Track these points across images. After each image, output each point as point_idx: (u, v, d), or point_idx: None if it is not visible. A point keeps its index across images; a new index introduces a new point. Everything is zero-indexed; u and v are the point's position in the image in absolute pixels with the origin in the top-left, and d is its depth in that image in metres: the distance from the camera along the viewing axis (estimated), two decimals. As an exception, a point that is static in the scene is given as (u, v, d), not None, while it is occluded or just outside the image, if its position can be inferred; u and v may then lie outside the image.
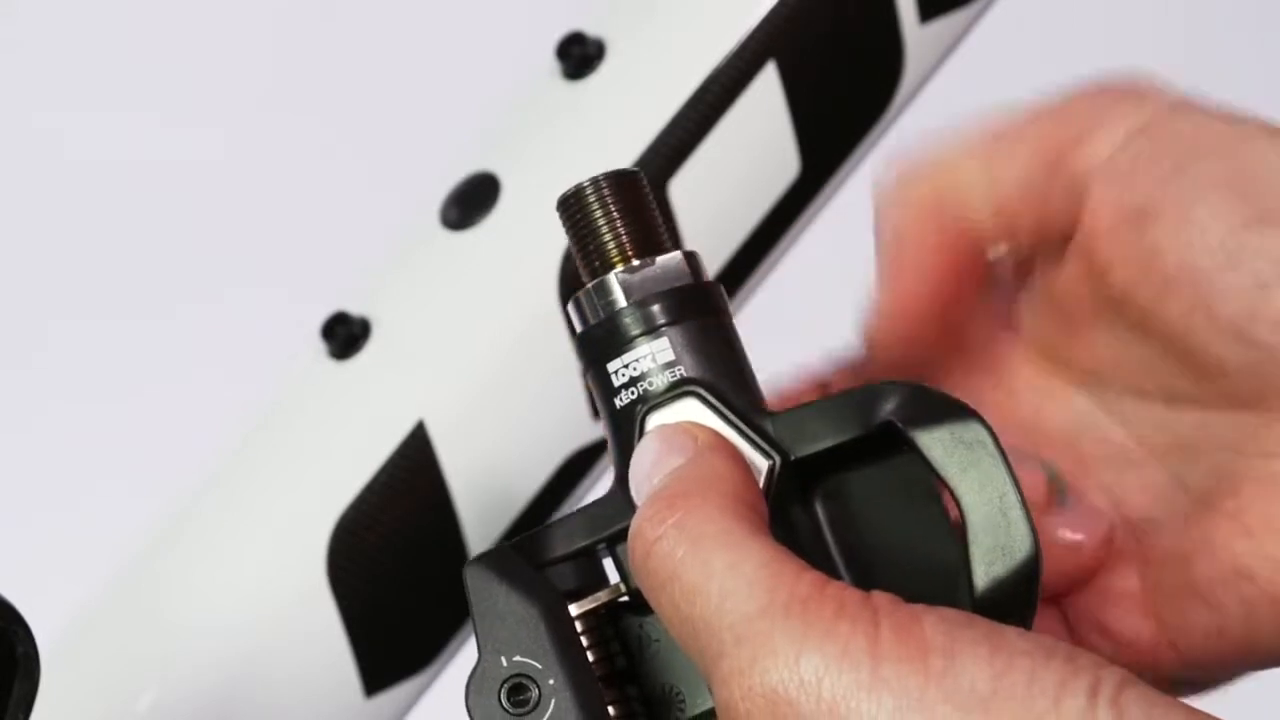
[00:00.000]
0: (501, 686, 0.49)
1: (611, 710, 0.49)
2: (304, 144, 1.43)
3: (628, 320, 0.51)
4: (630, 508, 0.50)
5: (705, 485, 0.48)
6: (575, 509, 0.52)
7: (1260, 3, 1.52)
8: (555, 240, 0.66)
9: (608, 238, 0.52)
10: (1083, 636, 0.56)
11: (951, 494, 0.48)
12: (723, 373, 0.51)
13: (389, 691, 0.67)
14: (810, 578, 0.46)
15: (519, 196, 0.67)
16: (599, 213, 0.52)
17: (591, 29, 0.69)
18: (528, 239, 0.67)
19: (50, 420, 1.39)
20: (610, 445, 0.51)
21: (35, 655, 0.51)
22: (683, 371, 0.50)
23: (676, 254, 0.52)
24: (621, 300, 0.51)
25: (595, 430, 0.67)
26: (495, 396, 0.67)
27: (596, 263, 0.52)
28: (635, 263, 0.51)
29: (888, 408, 0.49)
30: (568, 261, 0.66)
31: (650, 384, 0.50)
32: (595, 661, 0.49)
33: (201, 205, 1.43)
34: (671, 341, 0.51)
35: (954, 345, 0.58)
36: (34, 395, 1.41)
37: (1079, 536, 0.56)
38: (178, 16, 1.46)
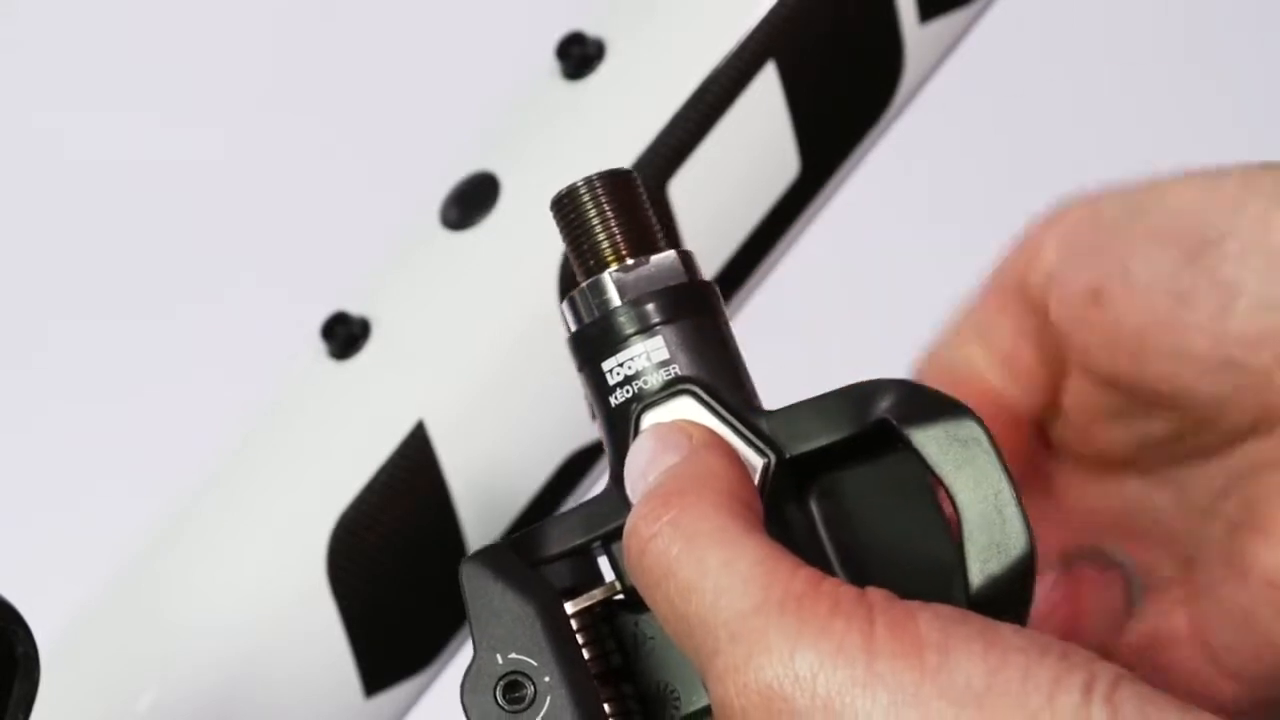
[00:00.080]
0: (497, 684, 0.49)
1: (607, 708, 0.49)
2: (304, 144, 1.43)
3: (622, 319, 0.51)
4: (625, 506, 0.50)
5: (700, 483, 0.48)
6: (571, 507, 0.52)
7: (1260, 3, 1.52)
8: (555, 240, 0.65)
9: (602, 237, 0.52)
10: None
11: (946, 491, 0.48)
12: (717, 371, 0.51)
13: (389, 691, 0.67)
14: (805, 574, 0.46)
15: (519, 196, 0.67)
16: (593, 212, 0.52)
17: (591, 29, 0.69)
18: (528, 239, 0.67)
19: (50, 420, 1.39)
20: (605, 444, 0.51)
21: (35, 655, 0.51)
22: (677, 370, 0.50)
23: (671, 253, 0.52)
24: (616, 299, 0.51)
25: (595, 430, 0.67)
26: (495, 396, 0.67)
27: (591, 262, 0.52)
28: (630, 262, 0.51)
29: (883, 405, 0.49)
30: (568, 262, 0.66)
31: (645, 383, 0.51)
32: (591, 659, 0.50)
33: (201, 205, 1.43)
34: (666, 340, 0.51)
35: None
36: (34, 395, 1.41)
37: (1148, 630, 0.56)
38: (178, 16, 1.46)
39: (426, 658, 0.67)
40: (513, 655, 0.49)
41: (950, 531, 0.50)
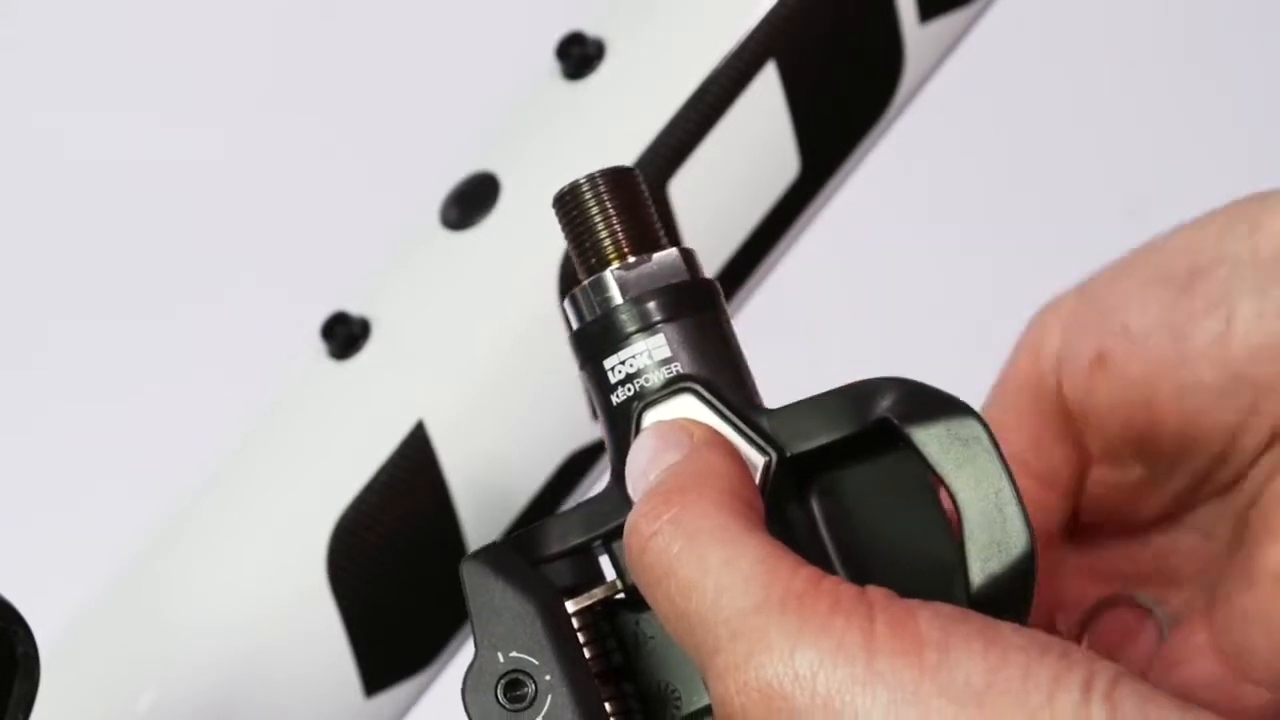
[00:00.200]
0: (498, 682, 0.49)
1: (608, 707, 0.49)
2: (304, 144, 1.43)
3: (624, 317, 0.51)
4: (626, 504, 0.50)
5: (701, 481, 0.48)
6: (572, 505, 0.52)
7: (1260, 3, 1.52)
8: (555, 240, 0.65)
9: (604, 234, 0.52)
10: None
11: (947, 490, 0.48)
12: (719, 369, 0.51)
13: (389, 691, 0.67)
14: (805, 573, 0.46)
15: (519, 196, 0.67)
16: (595, 209, 0.52)
17: (591, 29, 0.69)
18: (528, 239, 0.67)
19: (50, 420, 1.39)
20: (606, 442, 0.51)
21: (35, 655, 0.51)
22: (679, 368, 0.50)
23: (673, 250, 0.52)
24: (618, 297, 0.51)
25: (595, 430, 0.67)
26: (495, 396, 0.67)
27: (593, 259, 0.52)
28: (631, 259, 0.51)
29: (884, 404, 0.49)
30: (568, 261, 0.66)
31: (646, 381, 0.51)
32: (591, 658, 0.50)
33: (202, 205, 1.43)
34: (668, 338, 0.51)
35: None
36: (34, 395, 1.41)
37: (1171, 649, 0.57)
38: (178, 16, 1.46)
39: (426, 658, 0.67)
40: (514, 654, 0.49)
41: (951, 530, 0.50)
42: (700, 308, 0.51)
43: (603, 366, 0.51)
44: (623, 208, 0.52)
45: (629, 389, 0.51)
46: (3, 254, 1.44)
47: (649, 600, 0.48)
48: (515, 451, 0.67)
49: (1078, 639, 0.58)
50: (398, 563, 0.66)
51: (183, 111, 1.45)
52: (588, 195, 0.52)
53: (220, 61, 1.46)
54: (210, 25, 1.47)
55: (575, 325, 0.52)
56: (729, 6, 0.68)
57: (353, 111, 1.44)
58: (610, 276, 0.51)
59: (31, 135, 1.45)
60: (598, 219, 0.52)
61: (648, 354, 0.51)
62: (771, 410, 0.51)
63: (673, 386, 0.50)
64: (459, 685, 0.49)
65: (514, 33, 0.99)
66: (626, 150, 0.67)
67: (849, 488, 0.51)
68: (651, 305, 0.51)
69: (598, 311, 0.51)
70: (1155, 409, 0.55)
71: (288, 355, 0.70)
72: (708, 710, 0.50)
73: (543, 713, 0.48)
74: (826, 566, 0.49)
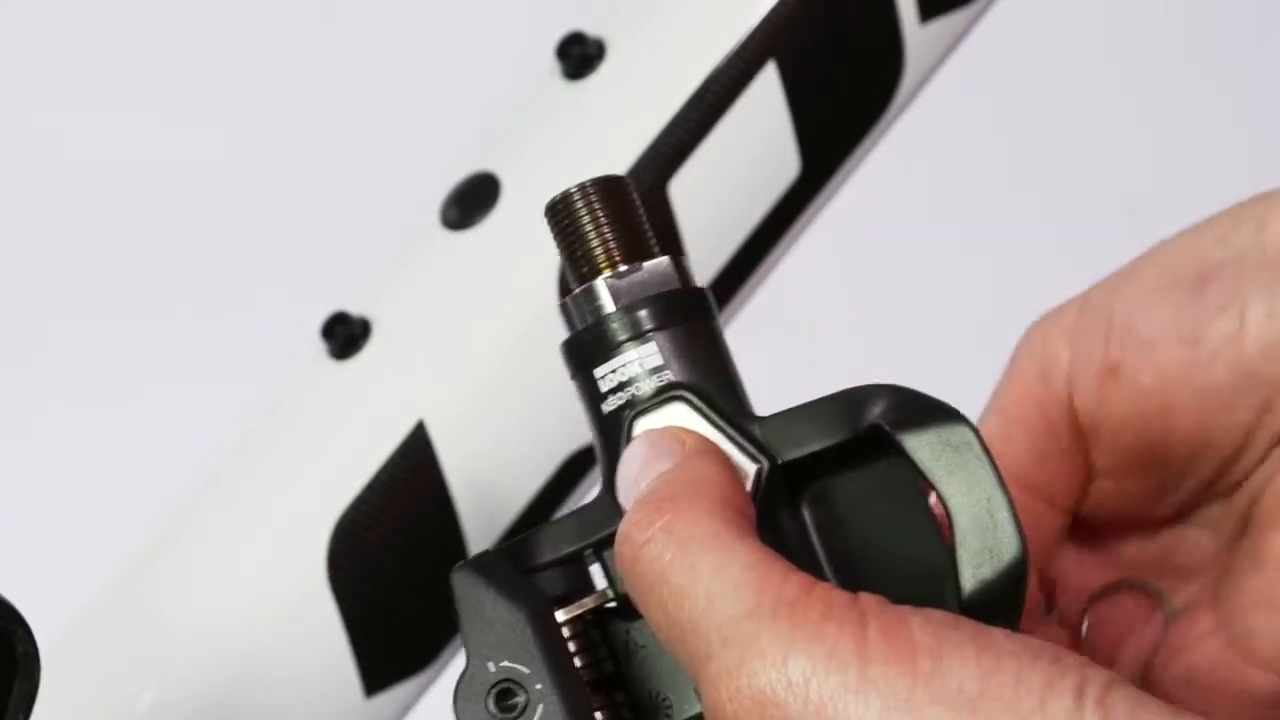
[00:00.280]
0: (489, 692, 0.49)
1: (599, 716, 0.49)
2: (304, 144, 1.43)
3: (615, 326, 0.51)
4: (618, 513, 0.50)
5: (693, 489, 0.48)
6: (563, 514, 0.52)
7: (1260, 3, 1.52)
8: (555, 240, 0.66)
9: (595, 243, 0.51)
10: (1166, 689, 0.56)
11: (939, 496, 0.48)
12: (710, 377, 0.51)
13: (389, 691, 0.67)
14: (797, 580, 0.46)
15: (519, 196, 0.67)
16: (586, 218, 0.52)
17: (591, 29, 0.69)
18: (528, 239, 0.67)
19: (50, 420, 1.39)
20: (598, 450, 0.51)
21: (35, 655, 0.51)
22: (670, 376, 0.50)
23: (664, 259, 0.52)
24: (609, 306, 0.51)
25: (595, 430, 0.67)
26: (495, 396, 0.67)
27: (584, 268, 0.52)
28: (623, 268, 0.51)
29: (875, 411, 0.49)
30: (568, 261, 0.66)
31: (638, 389, 0.50)
32: (582, 667, 0.49)
33: (202, 205, 1.43)
34: (659, 347, 0.51)
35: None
36: (34, 395, 1.41)
37: (1178, 633, 0.57)
38: (178, 16, 1.46)
39: (426, 658, 0.67)
40: (505, 663, 0.49)
41: (942, 537, 0.50)
42: (691, 316, 0.51)
43: (593, 375, 0.51)
44: (614, 216, 0.52)
45: (620, 397, 0.51)
46: (3, 254, 1.44)
47: (641, 608, 0.48)
48: (515, 451, 0.67)
49: (1078, 622, 0.58)
50: (398, 563, 0.66)
51: (183, 111, 1.45)
52: (579, 204, 0.52)
53: (221, 61, 1.46)
54: (210, 25, 1.47)
55: (567, 334, 0.52)
56: (729, 6, 0.68)
57: (353, 112, 1.44)
58: (602, 285, 0.51)
59: (31, 135, 1.45)
60: (589, 228, 0.52)
61: (639, 362, 0.51)
62: (763, 418, 0.51)
63: (664, 395, 0.50)
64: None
65: (514, 33, 0.99)
66: (626, 150, 0.67)
67: (840, 495, 0.51)
68: (643, 314, 0.51)
69: (589, 320, 0.51)
70: (1170, 416, 0.55)
71: (288, 355, 0.70)
72: (699, 718, 0.50)
73: None
74: (818, 573, 0.48)
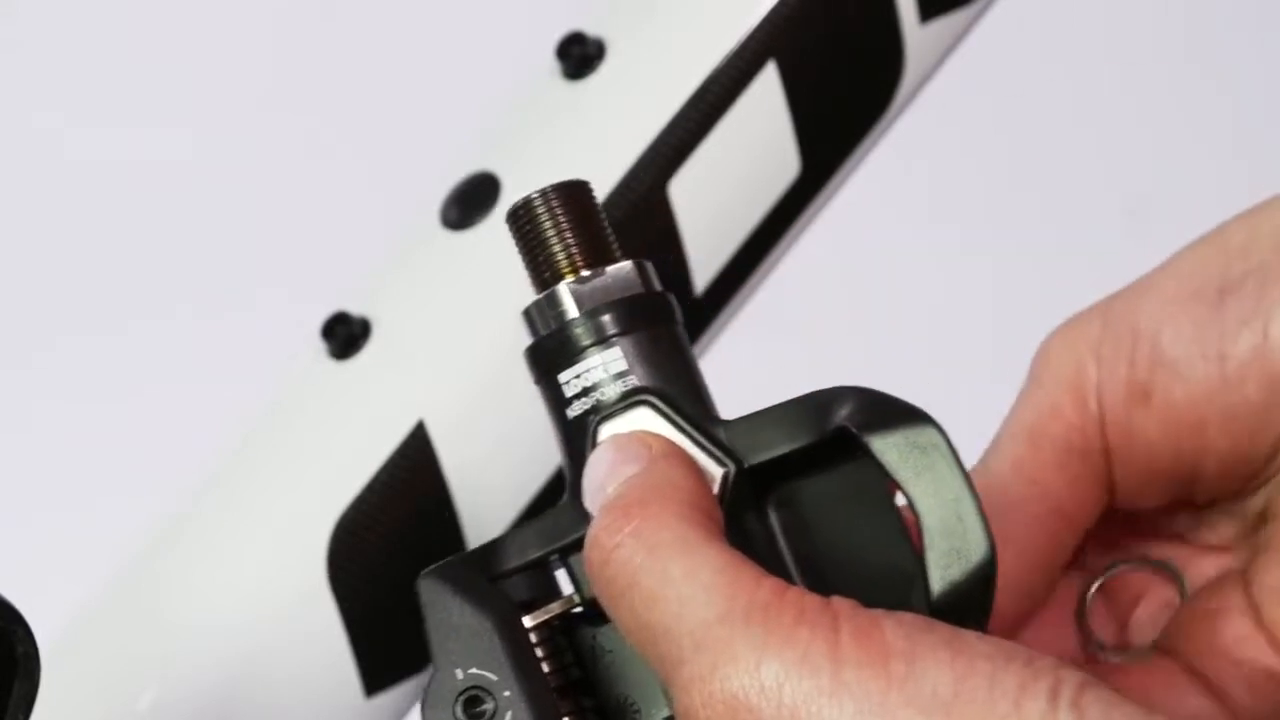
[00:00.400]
0: (457, 700, 0.48)
1: None
2: (304, 144, 1.43)
3: (579, 331, 0.51)
4: (584, 518, 0.50)
5: (661, 493, 0.48)
6: (527, 520, 0.52)
7: (1260, 3, 1.52)
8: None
9: (557, 248, 0.51)
10: (1190, 659, 0.56)
11: (906, 498, 0.48)
12: (675, 381, 0.50)
13: (389, 691, 0.67)
14: (770, 584, 0.46)
15: (519, 197, 0.67)
16: (548, 224, 0.51)
17: (591, 29, 0.69)
18: (528, 239, 0.67)
19: (50, 420, 1.39)
20: (563, 456, 0.51)
21: (35, 655, 0.51)
22: (635, 381, 0.50)
23: (627, 264, 0.51)
24: (572, 311, 0.51)
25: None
26: (495, 396, 0.66)
27: (546, 274, 0.52)
28: (585, 273, 0.51)
29: (842, 413, 0.49)
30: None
31: (602, 394, 0.50)
32: (550, 673, 0.49)
33: (202, 205, 1.43)
34: (623, 351, 0.50)
35: None
36: (34, 395, 1.41)
37: (1202, 606, 0.57)
38: (178, 17, 1.46)
39: (426, 658, 0.67)
40: (472, 670, 0.49)
41: (910, 539, 0.50)
42: (655, 320, 0.51)
43: (557, 380, 0.51)
44: (576, 221, 0.52)
45: (585, 402, 0.50)
46: (3, 254, 1.44)
47: (611, 613, 0.48)
48: (515, 451, 0.67)
49: (1082, 591, 0.58)
50: (398, 563, 0.66)
51: (183, 111, 1.45)
52: (540, 209, 0.52)
53: (221, 62, 1.46)
54: (211, 25, 1.47)
55: (530, 340, 0.52)
56: (729, 6, 0.68)
57: (353, 112, 1.44)
58: (565, 290, 0.51)
59: (31, 135, 1.45)
60: (550, 233, 0.51)
61: (603, 367, 0.50)
62: (728, 421, 0.50)
63: (629, 399, 0.50)
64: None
65: (514, 33, 0.99)
66: (627, 150, 0.67)
67: (807, 498, 0.51)
68: (606, 318, 0.50)
69: (552, 326, 0.51)
70: (1203, 436, 0.54)
71: (288, 355, 0.70)
72: None
73: None
74: (786, 577, 0.48)
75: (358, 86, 1.45)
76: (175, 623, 0.66)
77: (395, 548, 0.66)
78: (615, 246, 0.52)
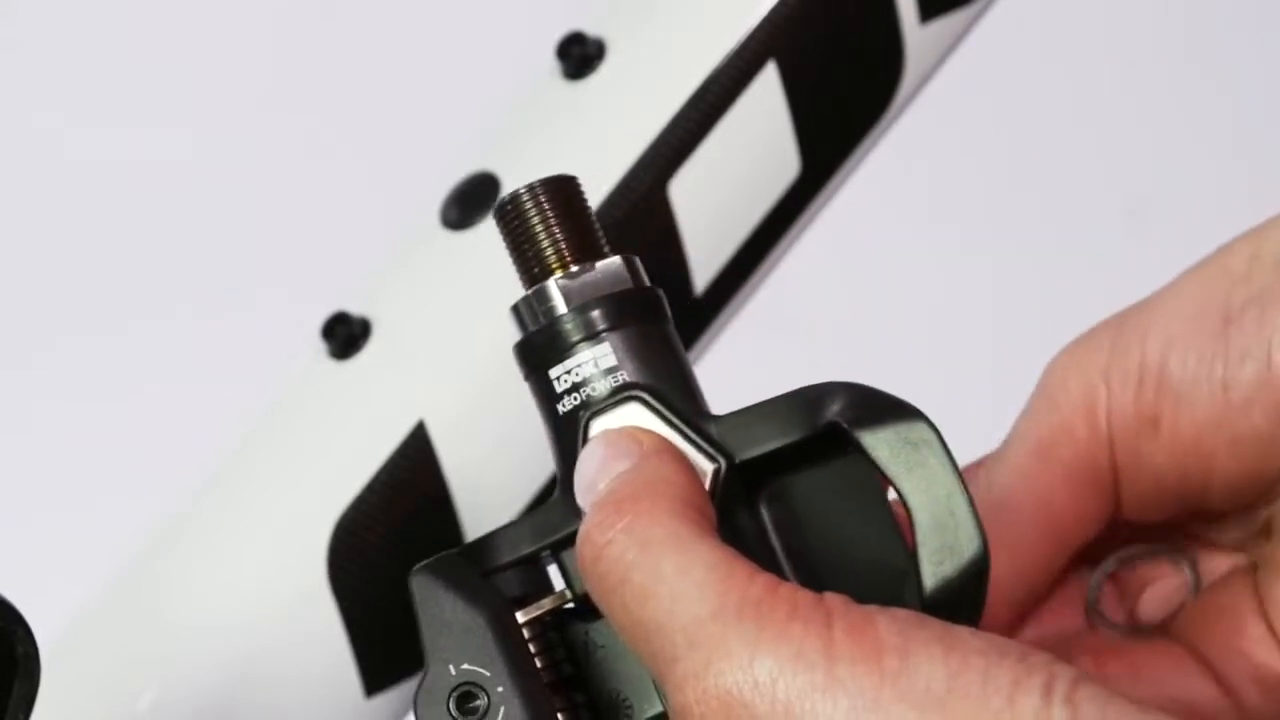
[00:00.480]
0: (450, 695, 0.48)
1: (560, 717, 0.49)
2: (304, 144, 1.43)
3: (568, 326, 0.51)
4: (575, 514, 0.50)
5: (652, 489, 0.48)
6: (520, 516, 0.52)
7: (1260, 3, 1.52)
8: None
9: (546, 244, 0.51)
10: (1204, 651, 0.56)
11: (898, 494, 0.48)
12: (665, 377, 0.50)
13: (389, 691, 0.67)
14: (762, 580, 0.46)
15: (517, 196, 0.67)
16: (536, 219, 0.51)
17: (591, 29, 0.69)
18: (528, 239, 0.67)
19: (50, 420, 1.39)
20: (553, 452, 0.51)
21: (35, 655, 0.51)
22: (625, 376, 0.50)
23: (616, 259, 0.51)
24: (561, 306, 0.51)
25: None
26: (495, 396, 0.66)
27: (535, 269, 0.51)
28: (574, 268, 0.51)
29: (833, 409, 0.49)
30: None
31: (593, 390, 0.50)
32: (543, 668, 0.49)
33: (202, 205, 1.43)
34: (613, 347, 0.50)
35: None
36: (34, 395, 1.41)
37: (1214, 602, 0.57)
38: (178, 17, 1.46)
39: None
40: (465, 666, 0.49)
41: (901, 534, 0.50)
42: (645, 316, 0.51)
43: (548, 376, 0.51)
44: (564, 216, 0.51)
45: (575, 398, 0.50)
46: (3, 254, 1.44)
47: (604, 609, 0.48)
48: (515, 451, 0.67)
49: (1093, 574, 0.58)
50: (398, 563, 0.66)
51: (183, 111, 1.45)
52: (528, 205, 0.51)
53: (221, 62, 1.46)
54: (211, 25, 1.47)
55: (519, 336, 0.52)
56: (729, 6, 0.68)
57: (353, 111, 1.44)
58: (554, 286, 0.51)
59: (31, 135, 1.45)
60: (539, 228, 0.51)
61: (593, 363, 0.50)
62: (719, 416, 0.50)
63: (619, 395, 0.50)
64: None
65: (514, 33, 0.99)
66: (627, 150, 0.67)
67: (798, 493, 0.51)
68: (596, 314, 0.50)
69: (541, 321, 0.51)
70: (1211, 463, 0.55)
71: (288, 355, 0.70)
72: (660, 718, 0.50)
73: None
74: (778, 573, 0.48)
75: (358, 86, 1.45)
76: (175, 623, 0.66)
77: (395, 548, 0.66)
78: (604, 242, 0.52)
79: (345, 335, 0.67)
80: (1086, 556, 0.59)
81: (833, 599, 0.46)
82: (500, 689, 0.48)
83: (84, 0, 1.46)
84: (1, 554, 1.29)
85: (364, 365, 0.67)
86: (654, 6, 0.69)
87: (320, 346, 0.68)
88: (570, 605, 0.50)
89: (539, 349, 0.51)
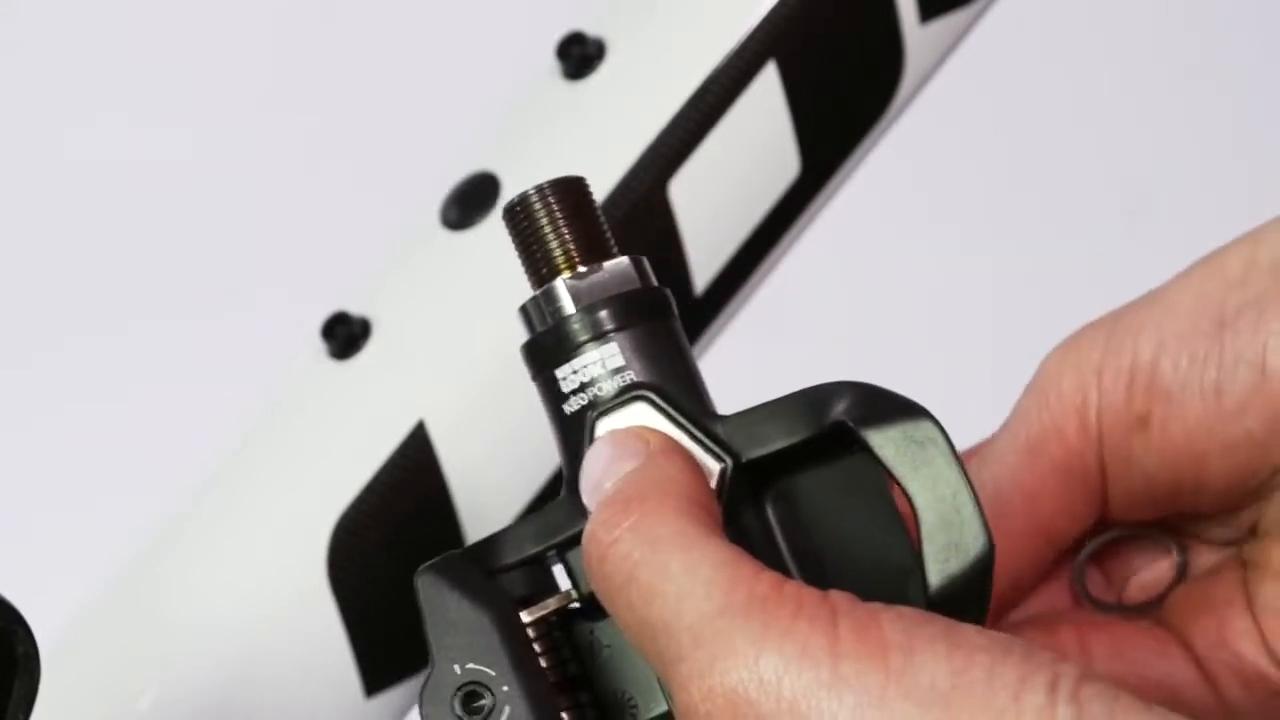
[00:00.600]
0: (455, 695, 0.49)
1: (565, 717, 0.49)
2: (304, 144, 1.43)
3: (576, 326, 0.51)
4: (581, 513, 0.50)
5: (659, 488, 0.48)
6: (526, 515, 0.52)
7: (1260, 3, 1.52)
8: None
9: (554, 245, 0.51)
10: (1192, 641, 0.56)
11: (904, 493, 0.48)
12: (672, 377, 0.51)
13: (389, 691, 0.67)
14: (768, 578, 0.46)
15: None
16: (545, 220, 0.52)
17: (591, 29, 0.69)
18: (528, 239, 0.67)
19: (50, 420, 1.39)
20: (560, 452, 0.51)
21: (35, 655, 0.51)
22: (632, 376, 0.50)
23: (623, 259, 0.52)
24: (569, 307, 0.51)
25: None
26: (495, 396, 0.67)
27: (543, 270, 0.52)
28: (582, 269, 0.51)
29: (839, 408, 0.49)
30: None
31: (600, 389, 0.50)
32: (548, 668, 0.49)
33: (202, 205, 1.43)
34: (620, 347, 0.50)
35: None
36: (34, 395, 1.41)
37: (1201, 591, 0.57)
38: (178, 17, 1.46)
39: (427, 658, 0.67)
40: (470, 665, 0.49)
41: (907, 533, 0.50)
42: (652, 316, 0.51)
43: (555, 376, 0.51)
44: (572, 217, 0.52)
45: (582, 398, 0.51)
46: (3, 254, 1.44)
47: (610, 608, 0.48)
48: (515, 451, 0.67)
49: (1072, 554, 0.58)
50: (398, 563, 0.66)
51: (183, 112, 1.45)
52: (537, 206, 0.52)
53: (221, 62, 1.46)
54: (211, 25, 1.47)
55: (527, 336, 0.52)
56: (729, 6, 0.68)
57: (353, 112, 1.44)
58: (561, 286, 0.51)
59: (31, 135, 1.45)
60: (547, 229, 0.52)
61: (600, 363, 0.50)
62: (725, 416, 0.51)
63: (626, 395, 0.50)
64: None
65: (514, 33, 0.99)
66: (627, 150, 0.67)
67: (804, 492, 0.51)
68: (603, 314, 0.51)
69: (549, 322, 0.51)
70: (1202, 466, 0.55)
71: (288, 355, 0.70)
72: (665, 717, 0.50)
73: None
74: (783, 571, 0.48)
75: (358, 87, 1.45)
76: (175, 623, 0.66)
77: (395, 548, 0.66)
78: (612, 242, 0.52)
79: (345, 335, 0.67)
80: (1077, 550, 0.59)
81: (838, 597, 0.46)
82: (505, 688, 0.48)
83: (84, 0, 1.46)
84: (1, 554, 1.29)
85: (364, 365, 0.67)
86: (654, 6, 0.69)
87: (320, 346, 0.68)
88: (576, 605, 0.51)
89: (547, 349, 0.51)
